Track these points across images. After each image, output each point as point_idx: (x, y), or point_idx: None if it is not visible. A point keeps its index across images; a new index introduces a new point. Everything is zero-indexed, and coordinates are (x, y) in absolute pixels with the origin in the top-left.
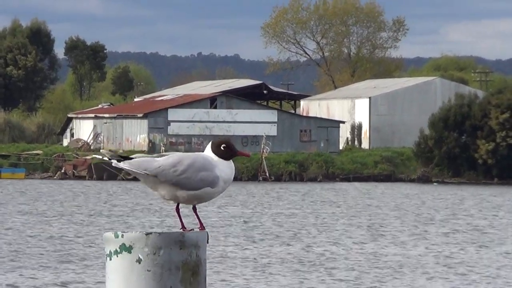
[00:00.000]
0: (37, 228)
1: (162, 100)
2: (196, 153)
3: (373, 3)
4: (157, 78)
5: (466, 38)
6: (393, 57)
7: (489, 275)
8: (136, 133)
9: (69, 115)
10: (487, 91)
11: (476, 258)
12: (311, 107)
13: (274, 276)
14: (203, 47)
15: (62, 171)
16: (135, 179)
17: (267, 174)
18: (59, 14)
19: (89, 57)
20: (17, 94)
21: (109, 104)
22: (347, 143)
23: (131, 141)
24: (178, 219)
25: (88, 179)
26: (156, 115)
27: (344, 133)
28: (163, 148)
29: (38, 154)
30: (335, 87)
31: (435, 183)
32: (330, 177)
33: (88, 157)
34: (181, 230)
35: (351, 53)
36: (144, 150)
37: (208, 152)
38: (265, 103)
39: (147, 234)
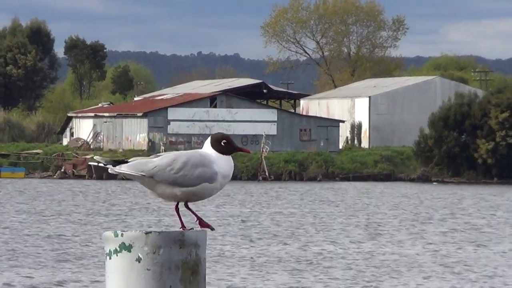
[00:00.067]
0: (34, 227)
1: (162, 99)
2: (193, 150)
3: (373, 2)
4: (157, 77)
5: (466, 38)
6: (393, 57)
7: (486, 274)
8: (136, 132)
9: (69, 114)
10: (487, 91)
11: (473, 257)
12: (311, 106)
13: (271, 275)
14: (203, 46)
15: (62, 170)
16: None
17: (267, 174)
18: (59, 13)
19: (89, 56)
20: (17, 93)
21: (109, 103)
22: (347, 142)
23: (131, 140)
24: (178, 218)
25: (88, 179)
26: (156, 114)
27: (344, 132)
28: (163, 148)
29: (38, 153)
30: (335, 86)
31: (434, 183)
32: (330, 177)
33: (87, 157)
34: (181, 229)
35: (351, 52)
36: (144, 149)
37: (207, 147)
38: (265, 102)
39: (146, 233)
